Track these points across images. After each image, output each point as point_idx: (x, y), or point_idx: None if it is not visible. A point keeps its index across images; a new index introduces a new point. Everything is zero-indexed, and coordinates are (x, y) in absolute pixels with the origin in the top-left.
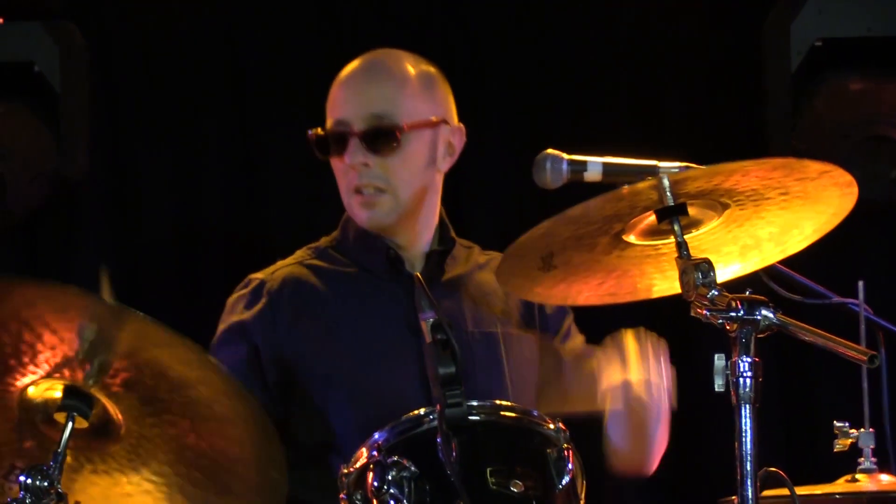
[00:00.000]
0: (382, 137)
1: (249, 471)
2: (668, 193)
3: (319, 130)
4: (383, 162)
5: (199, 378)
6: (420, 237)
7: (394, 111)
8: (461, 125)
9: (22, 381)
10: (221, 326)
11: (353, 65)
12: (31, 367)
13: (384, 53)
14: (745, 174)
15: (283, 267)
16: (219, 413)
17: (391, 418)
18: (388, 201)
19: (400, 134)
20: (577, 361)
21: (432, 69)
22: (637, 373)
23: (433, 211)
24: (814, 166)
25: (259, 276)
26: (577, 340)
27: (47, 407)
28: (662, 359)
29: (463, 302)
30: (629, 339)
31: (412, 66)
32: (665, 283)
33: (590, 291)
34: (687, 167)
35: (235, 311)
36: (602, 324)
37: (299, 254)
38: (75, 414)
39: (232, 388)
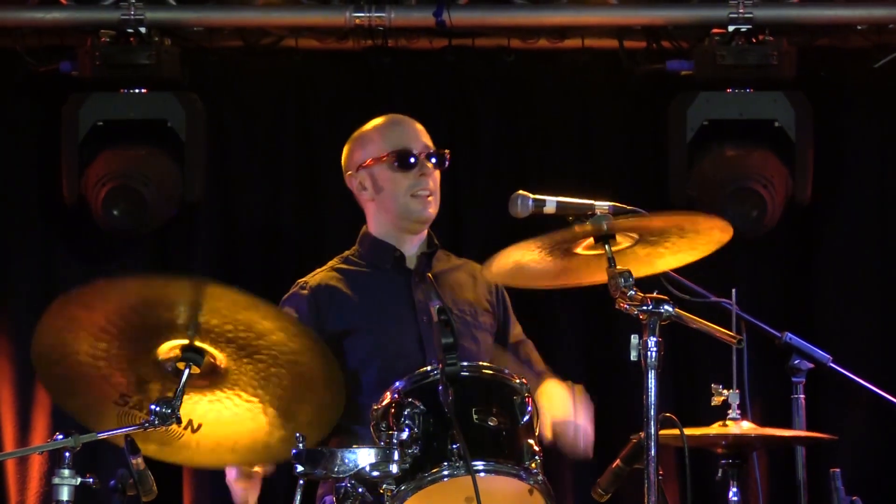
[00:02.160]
0: (440, 159)
1: (318, 390)
2: (605, 227)
3: (388, 153)
4: (435, 176)
5: (276, 327)
6: (417, 242)
7: (431, 145)
8: None
9: (153, 345)
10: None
11: (389, 118)
12: (157, 336)
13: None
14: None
15: (320, 272)
16: (293, 349)
17: (398, 370)
18: (435, 202)
19: (447, 157)
20: (515, 346)
21: None
22: (575, 417)
23: None
24: (703, 220)
25: (305, 279)
26: (518, 329)
27: (172, 361)
28: (589, 414)
29: (444, 292)
30: (577, 392)
31: None
32: (599, 275)
33: (548, 281)
34: (615, 206)
35: (290, 303)
36: (553, 312)
37: (331, 262)
38: (191, 364)
39: (299, 329)
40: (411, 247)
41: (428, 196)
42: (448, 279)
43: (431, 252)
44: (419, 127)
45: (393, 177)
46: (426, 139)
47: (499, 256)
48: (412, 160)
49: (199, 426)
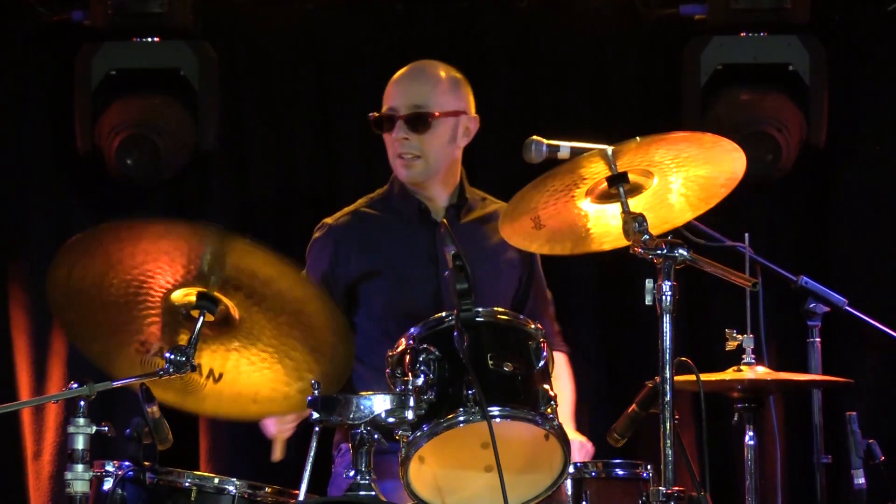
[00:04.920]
0: (419, 121)
1: (325, 336)
2: (613, 164)
3: (376, 114)
4: (419, 138)
5: (280, 273)
6: (443, 193)
7: (428, 103)
8: (477, 116)
9: (165, 291)
10: (309, 258)
11: (403, 69)
12: (170, 281)
13: (427, 62)
14: (662, 144)
15: (346, 213)
16: (298, 297)
17: (414, 320)
18: (420, 164)
19: (431, 119)
20: (541, 292)
21: (459, 75)
22: None
23: (454, 174)
24: (707, 137)
25: (329, 220)
26: (541, 285)
27: (186, 307)
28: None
29: (467, 240)
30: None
31: (444, 72)
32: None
33: (571, 244)
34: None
35: (315, 248)
36: (570, 258)
37: (359, 202)
38: (205, 311)
39: (301, 278)
40: (439, 198)
41: (409, 159)
42: (476, 228)
43: (460, 204)
44: (411, 83)
45: (384, 137)
46: (416, 97)
47: (512, 210)
48: (386, 123)
49: (221, 375)
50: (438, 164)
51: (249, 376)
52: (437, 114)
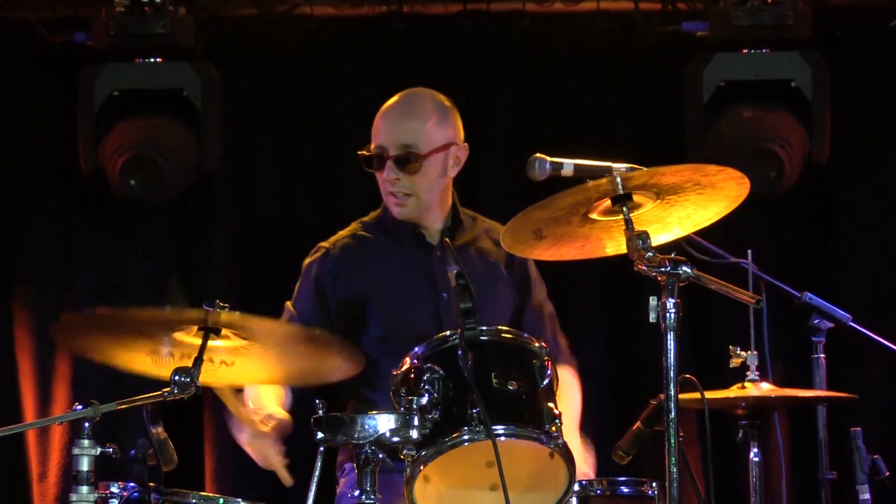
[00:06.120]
0: (409, 161)
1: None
2: (620, 187)
3: (366, 151)
4: (409, 177)
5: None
6: (437, 220)
7: (417, 142)
8: (465, 144)
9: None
10: (301, 281)
11: (390, 102)
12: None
13: (414, 93)
14: (668, 174)
15: (342, 237)
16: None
17: (415, 341)
18: (413, 202)
19: (421, 159)
20: (538, 308)
21: (447, 103)
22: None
23: (446, 201)
24: (711, 168)
25: (325, 244)
26: (541, 294)
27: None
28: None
29: (466, 260)
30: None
31: (432, 104)
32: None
33: (575, 251)
34: (632, 168)
35: (310, 271)
36: (574, 277)
37: (353, 226)
38: (210, 333)
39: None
40: (434, 225)
41: (402, 197)
42: (471, 248)
43: (455, 226)
44: (400, 122)
45: (376, 174)
46: (405, 136)
47: (514, 224)
48: (375, 161)
49: (233, 363)
50: (430, 199)
51: (259, 364)
52: (426, 153)
